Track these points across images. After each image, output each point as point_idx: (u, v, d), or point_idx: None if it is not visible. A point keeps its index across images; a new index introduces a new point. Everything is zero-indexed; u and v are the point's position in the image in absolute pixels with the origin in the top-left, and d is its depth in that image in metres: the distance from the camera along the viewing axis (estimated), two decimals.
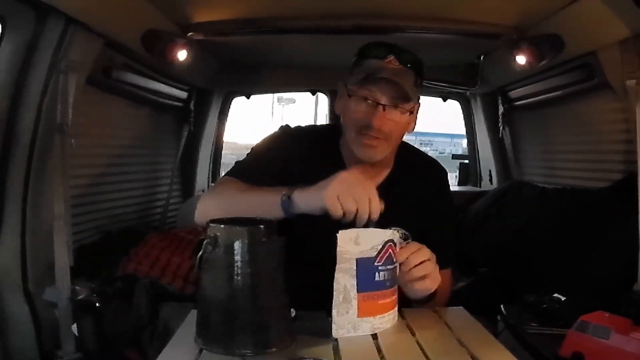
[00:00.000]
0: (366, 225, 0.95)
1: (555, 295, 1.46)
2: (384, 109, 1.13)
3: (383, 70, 1.12)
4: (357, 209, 0.94)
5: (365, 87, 1.14)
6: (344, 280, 0.93)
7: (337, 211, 0.94)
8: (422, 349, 0.91)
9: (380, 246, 0.95)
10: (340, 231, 0.91)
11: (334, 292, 0.93)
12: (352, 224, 0.95)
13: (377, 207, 0.95)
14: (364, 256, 0.94)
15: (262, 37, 2.20)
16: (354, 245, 0.93)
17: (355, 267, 0.93)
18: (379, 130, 1.14)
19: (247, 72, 2.85)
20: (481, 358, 0.87)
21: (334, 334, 0.94)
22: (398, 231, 1.03)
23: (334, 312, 0.93)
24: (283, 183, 1.08)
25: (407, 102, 1.15)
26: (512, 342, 1.34)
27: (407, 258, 1.01)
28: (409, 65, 1.16)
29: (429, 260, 1.03)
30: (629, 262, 1.55)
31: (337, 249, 0.91)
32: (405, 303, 1.10)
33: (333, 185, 0.95)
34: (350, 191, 0.94)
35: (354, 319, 0.95)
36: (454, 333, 0.99)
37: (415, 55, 1.18)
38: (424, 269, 1.02)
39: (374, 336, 0.96)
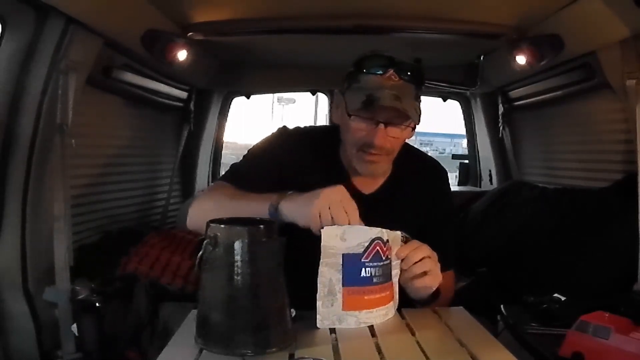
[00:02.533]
0: None
1: (555, 295, 1.46)
2: (385, 127, 1.12)
3: (384, 90, 1.10)
4: None
5: (366, 110, 1.12)
6: (330, 274, 0.96)
7: (316, 228, 0.98)
8: (422, 349, 0.91)
9: (367, 243, 0.97)
10: (325, 227, 0.95)
11: (318, 285, 0.96)
12: None
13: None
14: (351, 252, 0.97)
15: (262, 37, 2.20)
16: (340, 241, 0.96)
17: (341, 262, 0.96)
18: (381, 148, 1.14)
19: (247, 72, 2.85)
20: (481, 358, 0.87)
21: (319, 324, 0.97)
22: (401, 235, 1.04)
23: (318, 303, 0.97)
24: (280, 186, 1.08)
25: (408, 120, 1.14)
26: (512, 342, 1.34)
27: (406, 255, 1.02)
28: (409, 76, 1.13)
29: (428, 257, 1.03)
30: (629, 262, 1.55)
31: (322, 244, 0.95)
32: (407, 303, 1.10)
33: (316, 204, 0.98)
34: (331, 211, 0.97)
35: (338, 311, 0.97)
36: (454, 333, 0.99)
37: (414, 65, 1.16)
38: (424, 266, 1.03)
39: (374, 336, 0.96)
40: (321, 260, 0.96)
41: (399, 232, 1.04)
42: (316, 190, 1.01)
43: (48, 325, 1.59)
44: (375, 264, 0.98)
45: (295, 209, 1.01)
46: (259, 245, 0.87)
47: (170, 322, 1.60)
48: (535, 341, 1.30)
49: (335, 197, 0.99)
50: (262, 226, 0.89)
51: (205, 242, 0.88)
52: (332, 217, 0.97)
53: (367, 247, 0.97)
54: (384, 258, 0.99)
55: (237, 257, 0.86)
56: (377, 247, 0.98)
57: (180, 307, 1.55)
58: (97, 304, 1.54)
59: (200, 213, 1.15)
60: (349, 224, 0.97)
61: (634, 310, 1.20)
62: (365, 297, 0.99)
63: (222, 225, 0.88)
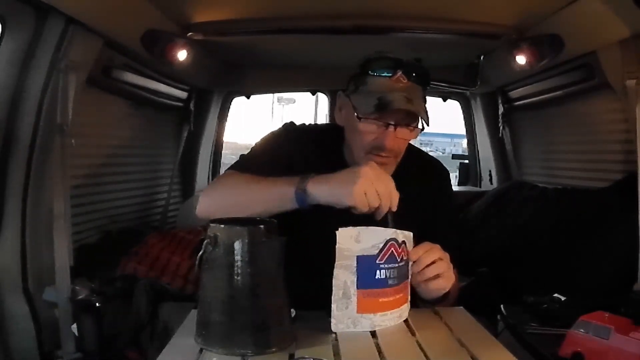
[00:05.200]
0: (385, 218, 0.98)
1: (555, 295, 1.46)
2: (395, 129, 1.12)
3: (394, 92, 1.09)
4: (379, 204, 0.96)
5: (377, 113, 1.11)
6: (344, 276, 0.94)
7: (364, 208, 0.96)
8: (422, 349, 0.91)
9: (382, 244, 0.96)
10: (340, 229, 0.93)
11: (333, 288, 0.94)
12: (370, 216, 0.98)
13: (396, 199, 0.98)
14: (365, 254, 0.95)
15: (262, 37, 2.20)
16: (355, 242, 0.94)
17: (355, 264, 0.95)
18: (390, 150, 1.13)
19: (247, 72, 2.85)
20: (481, 358, 0.87)
21: (333, 328, 0.95)
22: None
23: (333, 306, 0.95)
24: None
25: (417, 121, 1.14)
26: (512, 342, 1.34)
27: (419, 257, 1.01)
28: (417, 77, 1.13)
29: (441, 259, 1.03)
30: (629, 262, 1.55)
31: (337, 246, 0.93)
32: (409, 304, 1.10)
33: (360, 182, 0.95)
34: (375, 187, 0.95)
35: (353, 314, 0.96)
36: (454, 333, 0.99)
37: (421, 66, 1.16)
38: (437, 268, 1.02)
39: (374, 336, 0.96)
40: (336, 263, 0.94)
41: (410, 233, 1.02)
42: (348, 169, 0.99)
43: (48, 325, 1.59)
44: (390, 265, 0.97)
45: (334, 188, 0.97)
46: (259, 245, 0.87)
47: (170, 322, 1.60)
48: (535, 341, 1.30)
49: (374, 173, 0.97)
50: (262, 226, 0.89)
51: (205, 242, 0.88)
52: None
53: (382, 249, 0.96)
54: (398, 259, 0.98)
55: (237, 257, 0.86)
56: (392, 249, 0.97)
57: (180, 307, 1.55)
58: (97, 304, 1.54)
59: (215, 199, 1.14)
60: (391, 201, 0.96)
61: (634, 310, 1.20)
62: (380, 300, 0.97)
63: (222, 225, 0.88)
